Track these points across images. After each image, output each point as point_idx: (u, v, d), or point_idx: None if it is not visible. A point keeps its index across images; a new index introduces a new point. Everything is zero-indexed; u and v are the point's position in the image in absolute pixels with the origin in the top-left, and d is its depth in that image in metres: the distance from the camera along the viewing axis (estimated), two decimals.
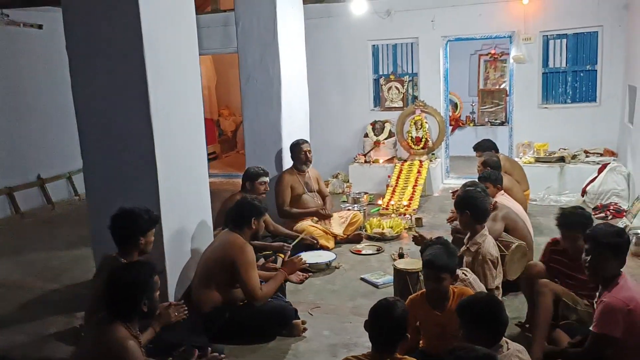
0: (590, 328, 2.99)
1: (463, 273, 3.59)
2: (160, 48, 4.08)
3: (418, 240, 4.64)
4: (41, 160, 8.42)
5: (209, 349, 3.21)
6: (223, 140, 12.46)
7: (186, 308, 3.48)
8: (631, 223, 5.88)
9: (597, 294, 3.09)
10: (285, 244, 5.31)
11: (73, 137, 8.25)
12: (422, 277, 4.20)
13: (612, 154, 7.63)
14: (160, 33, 4.08)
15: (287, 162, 6.46)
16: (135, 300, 2.84)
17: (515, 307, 4.31)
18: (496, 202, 4.78)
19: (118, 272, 2.95)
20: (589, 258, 3.04)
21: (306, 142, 6.27)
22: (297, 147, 6.17)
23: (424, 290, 3.45)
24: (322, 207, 6.15)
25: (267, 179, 5.55)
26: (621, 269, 3.03)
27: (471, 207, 4.07)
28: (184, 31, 4.40)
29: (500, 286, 4.08)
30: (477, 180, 5.17)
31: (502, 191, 5.19)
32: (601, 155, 7.66)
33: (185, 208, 4.42)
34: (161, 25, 4.10)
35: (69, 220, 7.72)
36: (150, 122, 3.98)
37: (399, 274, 4.30)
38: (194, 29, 4.50)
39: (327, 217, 6.15)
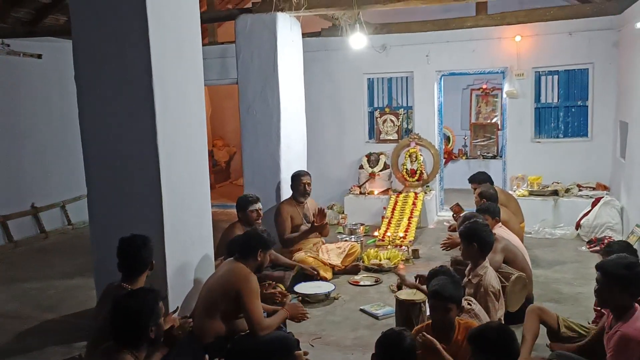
0: (607, 358, 3.00)
1: (468, 303, 3.61)
2: (169, 80, 4.15)
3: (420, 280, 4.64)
4: (35, 189, 8.39)
5: None
6: (217, 171, 12.50)
7: (191, 321, 3.59)
8: None
9: (609, 324, 3.12)
10: (286, 272, 5.35)
11: (68, 167, 8.45)
12: (424, 308, 4.23)
13: (605, 187, 7.75)
14: (168, 65, 4.15)
15: (286, 193, 6.50)
16: (143, 328, 2.84)
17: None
18: (495, 234, 4.82)
19: (123, 300, 2.95)
20: (597, 287, 3.07)
21: (307, 174, 6.32)
22: (297, 179, 6.22)
23: (429, 321, 3.46)
24: (315, 220, 6.09)
25: (257, 206, 5.46)
26: (635, 302, 3.01)
27: (479, 239, 4.12)
28: (191, 64, 4.48)
29: (502, 318, 4.10)
30: (475, 212, 5.22)
31: (500, 223, 5.25)
32: (594, 189, 7.77)
33: (189, 238, 4.42)
34: (170, 57, 4.18)
35: (62, 250, 7.67)
36: (157, 152, 4.02)
37: (401, 305, 4.30)
38: (200, 63, 4.60)
39: (323, 227, 6.13)
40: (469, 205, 6.54)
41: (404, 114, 8.97)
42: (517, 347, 2.72)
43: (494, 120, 11.26)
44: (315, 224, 6.04)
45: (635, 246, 6.01)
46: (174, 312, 3.82)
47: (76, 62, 4.23)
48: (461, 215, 5.36)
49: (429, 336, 3.19)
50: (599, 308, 3.88)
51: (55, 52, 8.43)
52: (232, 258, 4.10)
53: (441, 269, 3.83)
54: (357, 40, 7.31)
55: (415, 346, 2.83)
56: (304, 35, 7.44)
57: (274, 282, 5.05)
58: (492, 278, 4.14)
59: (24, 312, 5.34)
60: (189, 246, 4.42)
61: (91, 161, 4.31)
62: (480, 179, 6.51)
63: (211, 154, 12.48)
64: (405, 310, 4.26)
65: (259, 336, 3.92)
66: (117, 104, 4.12)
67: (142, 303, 2.89)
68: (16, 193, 8.09)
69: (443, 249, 5.64)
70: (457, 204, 6.33)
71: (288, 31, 6.82)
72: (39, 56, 8.35)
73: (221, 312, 3.94)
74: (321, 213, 6.11)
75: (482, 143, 11.29)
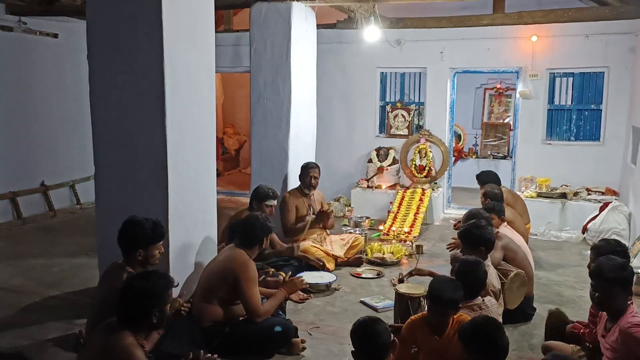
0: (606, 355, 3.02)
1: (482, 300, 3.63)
2: (180, 64, 4.18)
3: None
4: (46, 167, 8.46)
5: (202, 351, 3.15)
6: (226, 158, 12.54)
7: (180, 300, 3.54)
8: (631, 262, 5.90)
9: (604, 327, 3.11)
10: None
11: (79, 146, 8.52)
12: (423, 303, 4.23)
13: (614, 193, 7.69)
14: (180, 49, 4.17)
15: (293, 183, 6.51)
16: (147, 311, 2.84)
17: (514, 339, 4.31)
18: (498, 232, 4.82)
19: (134, 280, 2.94)
20: (597, 294, 3.08)
21: (316, 166, 6.30)
22: (305, 170, 6.23)
23: (425, 313, 3.47)
24: (321, 209, 6.16)
25: (274, 202, 5.49)
26: (629, 301, 3.05)
27: (483, 241, 4.13)
28: (203, 50, 4.50)
29: (500, 316, 4.10)
30: (480, 210, 5.21)
31: (505, 223, 5.24)
32: (603, 193, 7.72)
33: (192, 222, 4.46)
34: (182, 42, 4.20)
35: (70, 229, 7.74)
36: (165, 135, 4.06)
37: (400, 298, 4.31)
38: (212, 48, 4.61)
39: (328, 215, 6.14)
40: (475, 204, 6.51)
41: (415, 109, 8.94)
42: (506, 341, 2.71)
43: (506, 121, 11.20)
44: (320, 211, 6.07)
45: None
46: (179, 296, 3.85)
47: (89, 42, 4.27)
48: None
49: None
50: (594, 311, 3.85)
51: (71, 32, 8.48)
52: (232, 244, 4.13)
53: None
54: (372, 33, 7.27)
55: (388, 331, 2.83)
56: (318, 26, 7.42)
57: (273, 270, 5.09)
58: (493, 277, 4.14)
59: (27, 287, 5.40)
60: (192, 230, 4.46)
61: (100, 141, 4.35)
62: (486, 178, 6.46)
63: (221, 142, 12.52)
64: (405, 304, 4.28)
65: (257, 322, 3.96)
66: (127, 86, 4.15)
67: (151, 286, 2.87)
68: (27, 170, 8.16)
69: (449, 250, 5.65)
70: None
71: (303, 21, 6.80)
72: (55, 35, 8.40)
73: (219, 297, 3.98)
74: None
75: (493, 143, 11.24)
